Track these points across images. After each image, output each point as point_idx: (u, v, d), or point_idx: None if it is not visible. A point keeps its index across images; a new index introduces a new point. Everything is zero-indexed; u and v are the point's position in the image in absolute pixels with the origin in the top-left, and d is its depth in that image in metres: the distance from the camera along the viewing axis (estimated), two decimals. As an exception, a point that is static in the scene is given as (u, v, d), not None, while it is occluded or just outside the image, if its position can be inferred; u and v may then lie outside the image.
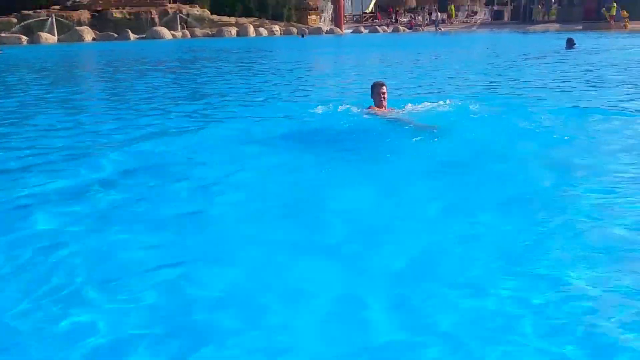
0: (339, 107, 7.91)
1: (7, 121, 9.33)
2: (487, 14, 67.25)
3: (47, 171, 5.97)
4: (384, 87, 7.56)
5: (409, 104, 7.86)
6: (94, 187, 5.28)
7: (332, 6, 59.43)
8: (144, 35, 43.19)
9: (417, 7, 69.17)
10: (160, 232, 4.26)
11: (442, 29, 54.45)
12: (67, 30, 41.80)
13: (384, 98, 7.50)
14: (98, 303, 3.18)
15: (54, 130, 8.34)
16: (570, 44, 21.33)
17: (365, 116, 7.47)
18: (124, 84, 15.47)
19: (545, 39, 31.79)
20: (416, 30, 53.85)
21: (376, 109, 7.55)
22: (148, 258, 3.77)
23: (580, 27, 41.72)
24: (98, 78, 18.21)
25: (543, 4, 58.25)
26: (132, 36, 42.53)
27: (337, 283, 3.40)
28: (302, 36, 45.61)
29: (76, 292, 3.30)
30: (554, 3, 58.88)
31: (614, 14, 42.12)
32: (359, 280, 3.44)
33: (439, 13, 61.97)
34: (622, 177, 5.25)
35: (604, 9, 43.57)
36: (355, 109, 7.71)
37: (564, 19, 50.17)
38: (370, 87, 7.80)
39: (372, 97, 7.65)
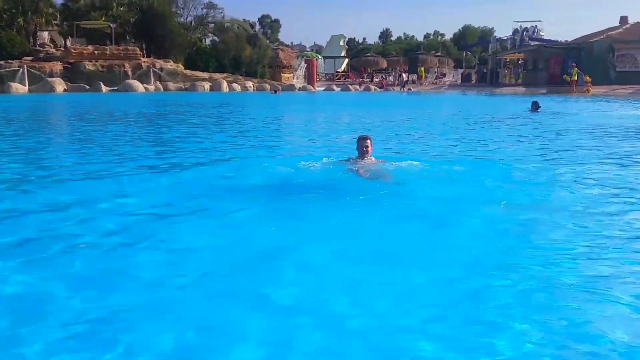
0: (323, 159, 8.44)
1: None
2: (455, 76, 68.90)
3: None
4: (367, 140, 7.90)
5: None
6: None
7: (305, 65, 60.30)
8: (116, 88, 43.04)
9: (388, 68, 70.62)
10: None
11: (411, 89, 55.41)
12: (38, 81, 41.50)
13: (367, 150, 7.86)
14: None
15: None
16: (535, 106, 21.72)
17: (346, 167, 7.90)
18: (93, 134, 15.20)
19: (511, 102, 32.42)
20: (387, 90, 54.69)
21: (352, 160, 7.98)
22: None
23: (545, 91, 42.78)
24: (67, 127, 17.93)
25: (509, 68, 60.04)
26: (104, 88, 42.35)
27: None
28: (275, 92, 45.91)
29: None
30: (520, 67, 60.68)
31: (576, 78, 43.33)
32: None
33: (405, 74, 63.53)
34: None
35: (566, 74, 44.93)
36: (332, 161, 8.34)
37: (530, 82, 51.56)
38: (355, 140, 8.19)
39: (357, 149, 8.01)
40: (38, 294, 3.94)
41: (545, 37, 62.52)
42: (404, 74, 65.08)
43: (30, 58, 45.11)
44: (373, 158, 8.02)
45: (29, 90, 40.44)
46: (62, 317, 3.54)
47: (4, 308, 3.72)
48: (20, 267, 4.41)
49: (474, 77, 65.59)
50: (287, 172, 8.18)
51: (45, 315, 3.57)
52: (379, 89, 55.35)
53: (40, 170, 9.17)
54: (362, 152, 7.83)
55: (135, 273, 4.36)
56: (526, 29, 63.01)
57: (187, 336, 3.37)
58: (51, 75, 42.64)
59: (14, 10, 51.46)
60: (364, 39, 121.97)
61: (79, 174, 8.63)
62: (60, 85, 41.58)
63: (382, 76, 67.15)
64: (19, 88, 40.05)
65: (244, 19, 69.89)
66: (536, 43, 57.90)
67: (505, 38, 66.56)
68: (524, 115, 21.14)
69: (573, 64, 45.69)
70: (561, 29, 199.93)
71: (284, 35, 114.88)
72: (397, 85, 59.23)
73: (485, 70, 64.82)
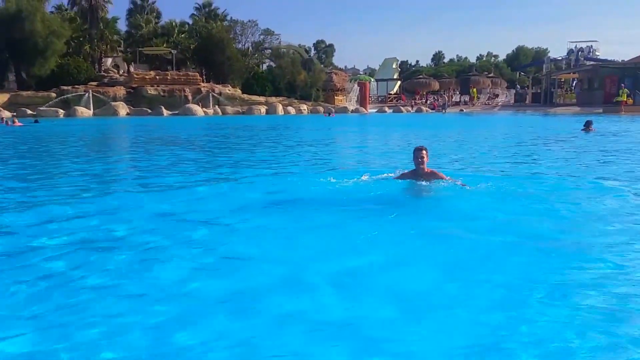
0: (374, 175, 8.55)
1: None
2: (508, 96, 68.04)
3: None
4: (423, 151, 7.87)
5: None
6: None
7: (358, 87, 60.73)
8: (176, 112, 44.27)
9: (440, 89, 70.38)
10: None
11: (463, 110, 54.98)
12: (102, 105, 43.08)
13: (422, 161, 7.84)
14: None
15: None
16: (587, 126, 21.26)
17: (395, 177, 8.21)
18: (158, 153, 15.68)
19: (565, 121, 31.77)
20: (438, 111, 54.43)
21: (404, 173, 8.16)
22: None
23: (600, 111, 41.79)
24: (132, 147, 18.55)
25: (563, 88, 58.87)
26: (165, 112, 43.62)
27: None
28: (329, 115, 46.38)
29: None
30: (575, 87, 59.44)
31: (625, 99, 42.51)
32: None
33: (446, 97, 63.35)
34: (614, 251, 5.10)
35: (617, 96, 43.83)
36: (383, 176, 8.44)
37: (585, 102, 50.44)
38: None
39: (413, 160, 8.01)
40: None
41: (601, 57, 61.19)
42: (445, 96, 64.92)
43: (95, 83, 46.97)
44: (428, 168, 7.99)
45: (94, 114, 42.00)
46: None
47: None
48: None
49: (527, 97, 64.63)
50: (340, 187, 8.30)
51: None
52: (430, 110, 55.16)
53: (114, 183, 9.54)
54: (418, 162, 7.84)
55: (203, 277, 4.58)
56: (581, 49, 61.81)
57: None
58: (115, 99, 44.22)
59: (81, 39, 53.79)
60: (417, 61, 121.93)
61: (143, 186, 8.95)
62: (123, 109, 43.04)
63: (434, 97, 66.94)
64: (84, 112, 41.65)
65: (299, 45, 71.04)
66: (592, 63, 56.70)
67: (559, 58, 65.39)
68: (577, 134, 20.73)
69: (622, 85, 44.72)
70: (617, 48, 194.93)
71: (337, 59, 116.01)
72: (450, 106, 58.91)
73: (539, 90, 63.80)
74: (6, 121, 29.99)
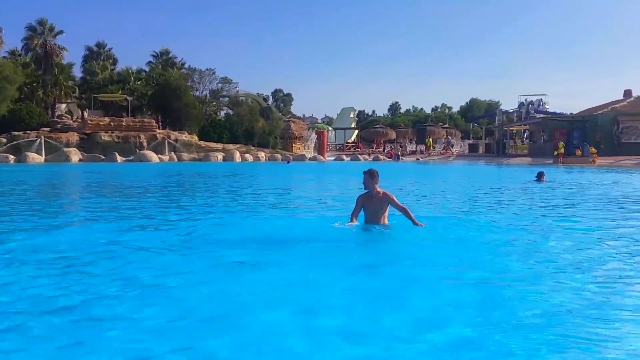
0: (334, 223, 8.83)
1: None
2: (462, 146, 69.20)
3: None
4: (376, 173, 8.57)
5: None
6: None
7: (316, 136, 60.88)
8: (131, 158, 43.40)
9: (397, 139, 71.19)
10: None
11: (419, 159, 55.52)
12: (54, 151, 41.93)
13: (375, 182, 8.52)
14: None
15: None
16: (540, 177, 21.41)
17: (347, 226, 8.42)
18: (108, 199, 15.02)
19: (518, 172, 32.15)
20: (395, 159, 54.76)
21: (360, 195, 8.73)
22: None
23: (551, 161, 42.60)
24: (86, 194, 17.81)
25: (515, 140, 60.18)
26: (119, 158, 42.71)
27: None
28: (288, 162, 46.19)
29: None
30: (526, 139, 60.81)
31: (562, 151, 44.29)
32: None
33: (399, 147, 64.36)
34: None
35: (555, 150, 45.47)
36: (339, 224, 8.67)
37: (536, 153, 51.48)
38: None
39: (363, 182, 8.66)
40: None
41: (550, 110, 62.87)
42: (399, 146, 66.00)
43: (47, 129, 45.84)
44: (381, 190, 8.60)
45: (45, 160, 40.82)
46: None
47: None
48: None
49: (480, 148, 65.80)
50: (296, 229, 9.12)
51: None
52: (388, 159, 55.50)
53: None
54: (370, 185, 8.48)
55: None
56: (531, 102, 63.40)
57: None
58: (67, 145, 43.16)
59: (34, 84, 52.77)
60: (374, 111, 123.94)
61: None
62: (75, 155, 41.98)
63: (391, 146, 67.63)
64: (35, 158, 40.44)
65: (258, 93, 71.19)
66: (541, 115, 58.16)
67: (511, 110, 66.94)
68: (530, 185, 20.82)
69: (559, 138, 46.94)
70: (566, 101, 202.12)
71: (296, 108, 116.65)
72: (407, 154, 59.51)
73: (492, 141, 65.02)
74: None
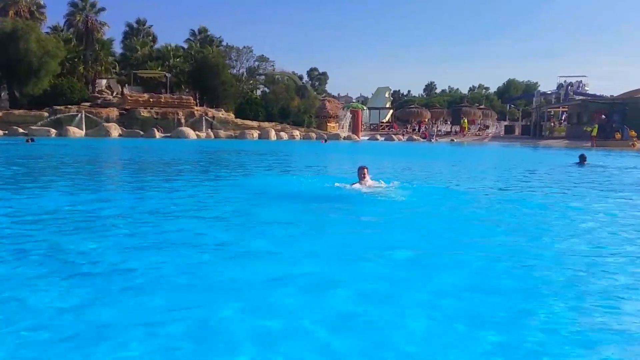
0: (335, 183, 11.62)
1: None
2: (498, 128, 67.99)
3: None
4: (365, 169, 11.11)
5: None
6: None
7: (351, 115, 60.40)
8: (169, 134, 43.61)
9: (432, 119, 70.22)
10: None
11: (454, 140, 54.74)
12: (94, 126, 42.35)
13: (364, 176, 11.05)
14: None
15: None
16: (582, 160, 20.77)
17: (348, 187, 11.09)
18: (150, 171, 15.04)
19: (556, 155, 31.38)
20: (430, 140, 54.03)
21: (357, 184, 11.06)
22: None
23: (589, 144, 41.52)
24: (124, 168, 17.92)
25: (553, 121, 58.81)
26: (158, 134, 42.94)
27: None
28: (325, 141, 46.17)
29: None
30: (564, 120, 59.39)
31: (595, 134, 43.62)
32: None
33: (434, 128, 63.49)
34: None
35: (585, 126, 44.66)
36: (343, 185, 11.35)
37: (573, 135, 50.25)
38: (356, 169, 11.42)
39: (357, 175, 11.21)
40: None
41: (590, 92, 61.26)
42: (433, 126, 65.13)
43: (88, 104, 46.28)
44: (371, 181, 11.14)
45: (86, 135, 41.24)
46: None
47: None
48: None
49: (517, 130, 64.53)
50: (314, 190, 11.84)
51: None
52: (422, 139, 54.84)
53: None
54: (361, 177, 11.05)
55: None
56: (571, 84, 61.89)
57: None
58: (107, 120, 43.52)
59: (76, 60, 53.26)
60: (409, 91, 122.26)
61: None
62: (115, 130, 42.32)
63: (425, 127, 66.81)
64: (76, 132, 40.88)
65: (293, 72, 70.80)
66: (581, 97, 56.67)
67: (549, 92, 65.44)
68: (571, 168, 20.22)
69: (597, 121, 46.35)
70: (606, 84, 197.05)
71: (331, 87, 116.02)
72: (441, 136, 58.69)
73: (528, 123, 63.74)
74: None
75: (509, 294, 4.73)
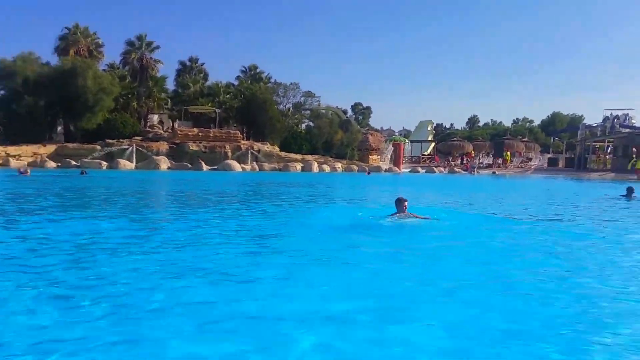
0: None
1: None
2: (541, 160, 66.43)
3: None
4: (405, 202, 11.02)
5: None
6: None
7: (393, 148, 59.97)
8: (215, 167, 43.93)
9: (474, 151, 69.13)
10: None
11: (496, 172, 53.59)
12: (145, 159, 43.00)
13: (405, 207, 10.98)
14: None
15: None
16: (630, 192, 19.76)
17: (388, 219, 10.99)
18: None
19: (601, 187, 30.18)
20: (471, 172, 52.99)
21: (396, 215, 11.02)
22: None
23: (636, 177, 39.91)
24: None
25: (598, 154, 57.05)
26: (205, 167, 43.30)
27: None
28: (369, 173, 46.13)
29: None
30: (609, 153, 57.54)
31: (639, 167, 42.83)
32: None
33: (476, 160, 62.25)
34: None
35: (632, 160, 43.60)
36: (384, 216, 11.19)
37: (619, 168, 48.51)
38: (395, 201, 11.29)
39: (395, 206, 11.14)
40: None
41: (637, 125, 59.23)
42: (474, 158, 63.86)
43: (139, 138, 47.18)
44: (409, 213, 11.02)
45: (136, 167, 41.88)
46: None
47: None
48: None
49: (560, 162, 62.85)
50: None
51: None
52: (463, 172, 53.86)
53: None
54: (401, 210, 10.97)
55: None
56: (617, 116, 59.99)
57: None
58: (157, 154, 44.17)
59: (130, 95, 54.55)
60: (452, 124, 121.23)
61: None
62: (164, 164, 42.87)
63: (467, 159, 65.80)
64: (127, 164, 41.58)
65: (338, 106, 70.93)
66: (627, 130, 54.86)
67: (594, 125, 63.64)
68: (618, 200, 19.26)
69: (634, 150, 46.03)
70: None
71: (374, 121, 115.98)
72: (483, 168, 57.60)
73: (572, 156, 62.01)
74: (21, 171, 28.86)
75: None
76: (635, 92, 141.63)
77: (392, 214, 11.00)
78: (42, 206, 14.22)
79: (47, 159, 40.66)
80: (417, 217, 10.96)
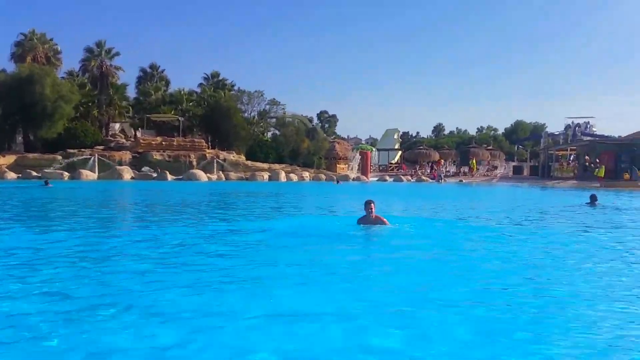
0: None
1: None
2: (506, 168, 67.88)
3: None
4: (372, 204, 11.46)
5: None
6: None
7: (360, 156, 60.55)
8: (180, 177, 43.66)
9: (440, 160, 70.20)
10: None
11: (462, 180, 54.60)
12: (107, 169, 42.59)
13: (371, 210, 11.41)
14: None
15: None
16: (593, 200, 20.56)
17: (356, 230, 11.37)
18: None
19: (566, 195, 31.14)
20: (438, 181, 53.81)
21: (360, 218, 11.65)
22: None
23: (598, 185, 41.18)
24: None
25: (561, 163, 58.64)
26: (169, 177, 43.03)
27: None
28: (337, 182, 46.29)
29: None
30: (572, 161, 59.16)
31: (602, 175, 44.67)
32: None
33: (442, 168, 63.43)
34: None
35: (591, 165, 46.35)
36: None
37: (582, 176, 49.93)
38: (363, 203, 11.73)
39: (364, 209, 11.53)
40: None
41: (598, 133, 61.11)
42: (441, 167, 65.09)
43: (101, 147, 46.68)
44: (375, 215, 11.44)
45: (98, 178, 41.41)
46: None
47: None
48: None
49: (525, 170, 64.37)
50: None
51: None
52: (431, 180, 54.69)
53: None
54: (368, 211, 11.40)
55: None
56: (578, 125, 61.79)
57: None
58: (120, 163, 43.79)
59: (90, 104, 53.95)
60: (418, 132, 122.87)
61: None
62: (127, 174, 42.49)
63: (433, 168, 66.84)
64: (89, 175, 41.09)
65: (303, 115, 71.33)
66: (589, 138, 56.54)
67: (557, 133, 65.38)
68: (581, 208, 20.00)
69: (597, 161, 47.52)
70: (613, 124, 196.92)
71: (340, 129, 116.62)
72: (449, 176, 58.59)
73: (536, 164, 63.55)
74: None
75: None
76: (595, 100, 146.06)
77: (360, 218, 11.55)
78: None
79: (6, 169, 39.88)
80: (384, 221, 11.44)
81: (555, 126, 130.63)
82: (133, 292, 6.03)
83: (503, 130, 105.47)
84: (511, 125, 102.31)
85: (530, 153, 75.61)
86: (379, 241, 10.66)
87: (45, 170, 39.85)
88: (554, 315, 5.33)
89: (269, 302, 5.71)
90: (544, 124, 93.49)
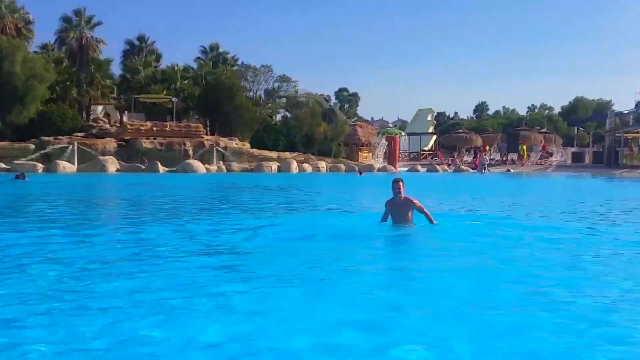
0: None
1: None
2: (564, 155, 67.16)
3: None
4: (400, 183, 11.35)
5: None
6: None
7: (386, 142, 60.14)
8: (174, 168, 43.57)
9: (484, 146, 69.61)
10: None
11: (511, 170, 54.09)
12: (89, 160, 42.71)
13: (400, 191, 11.28)
14: None
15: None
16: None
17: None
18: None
19: (637, 187, 30.58)
20: (481, 171, 53.18)
21: (388, 200, 11.75)
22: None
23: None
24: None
25: (631, 147, 57.73)
26: (162, 168, 42.98)
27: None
28: (361, 173, 45.96)
29: None
30: (644, 147, 58.31)
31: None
32: None
33: (486, 156, 62.73)
34: None
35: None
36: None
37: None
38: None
39: (392, 190, 11.43)
40: None
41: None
42: (484, 155, 64.31)
43: (81, 134, 46.88)
44: (404, 196, 11.39)
45: (78, 170, 41.55)
46: None
47: None
48: None
49: (587, 157, 63.61)
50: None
51: None
52: (472, 170, 54.16)
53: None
54: (396, 192, 11.30)
55: None
56: (652, 101, 60.94)
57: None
58: (104, 153, 43.91)
59: (68, 83, 54.06)
60: (456, 113, 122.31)
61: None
62: (112, 165, 42.59)
63: (475, 154, 66.29)
64: (67, 167, 41.27)
65: (319, 93, 71.15)
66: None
67: (626, 112, 64.50)
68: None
69: None
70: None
71: (363, 110, 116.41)
72: (496, 165, 58.10)
73: (601, 149, 62.74)
74: None
75: None
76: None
77: (388, 201, 11.70)
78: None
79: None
80: (415, 203, 11.48)
81: (623, 104, 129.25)
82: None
83: (559, 110, 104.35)
84: (569, 103, 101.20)
85: (593, 136, 74.75)
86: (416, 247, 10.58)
87: (16, 162, 40.08)
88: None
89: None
90: (610, 101, 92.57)
